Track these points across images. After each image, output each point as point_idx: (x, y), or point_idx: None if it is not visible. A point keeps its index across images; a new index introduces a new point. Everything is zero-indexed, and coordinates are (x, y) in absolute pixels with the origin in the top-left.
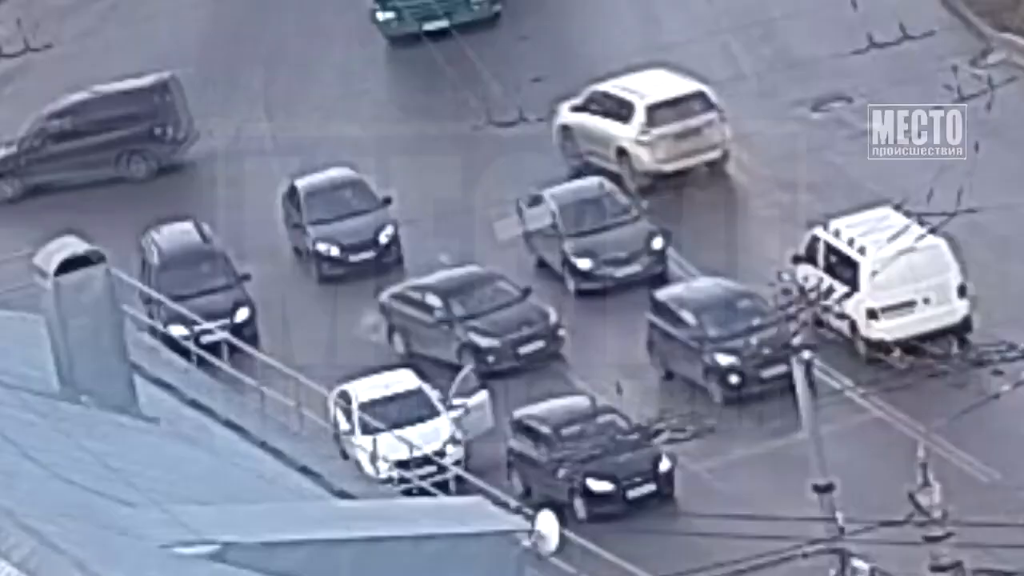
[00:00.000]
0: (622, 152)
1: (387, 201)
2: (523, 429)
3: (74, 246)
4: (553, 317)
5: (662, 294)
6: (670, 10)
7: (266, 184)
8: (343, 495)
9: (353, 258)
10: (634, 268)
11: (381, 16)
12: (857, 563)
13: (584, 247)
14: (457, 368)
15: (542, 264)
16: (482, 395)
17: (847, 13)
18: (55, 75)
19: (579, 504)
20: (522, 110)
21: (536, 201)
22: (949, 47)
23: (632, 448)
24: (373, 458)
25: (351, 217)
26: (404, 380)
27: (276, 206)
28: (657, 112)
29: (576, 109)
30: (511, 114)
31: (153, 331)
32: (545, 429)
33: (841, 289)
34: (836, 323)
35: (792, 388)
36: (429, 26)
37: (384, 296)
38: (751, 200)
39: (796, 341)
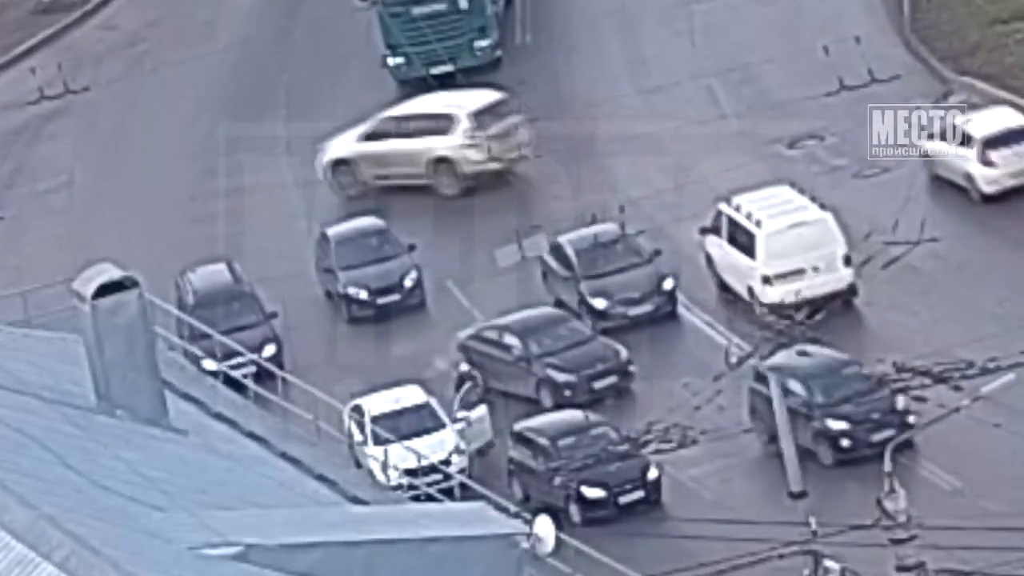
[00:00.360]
0: (440, 161)
1: (411, 248)
2: (522, 440)
3: (110, 272)
4: (624, 354)
5: (766, 365)
6: (657, 55)
7: (287, 216)
8: (357, 501)
9: (380, 300)
10: (646, 308)
11: (392, 61)
12: (829, 563)
13: (599, 288)
14: (535, 403)
15: (559, 304)
16: (482, 409)
17: (819, 58)
18: (92, 115)
19: (574, 509)
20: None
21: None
22: (913, 89)
23: (622, 458)
24: (384, 467)
25: (378, 263)
26: (412, 395)
27: (294, 235)
28: (479, 118)
29: (368, 138)
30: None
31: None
32: (543, 440)
33: (820, 314)
34: (736, 286)
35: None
36: (436, 70)
37: (462, 337)
38: None
39: (900, 406)
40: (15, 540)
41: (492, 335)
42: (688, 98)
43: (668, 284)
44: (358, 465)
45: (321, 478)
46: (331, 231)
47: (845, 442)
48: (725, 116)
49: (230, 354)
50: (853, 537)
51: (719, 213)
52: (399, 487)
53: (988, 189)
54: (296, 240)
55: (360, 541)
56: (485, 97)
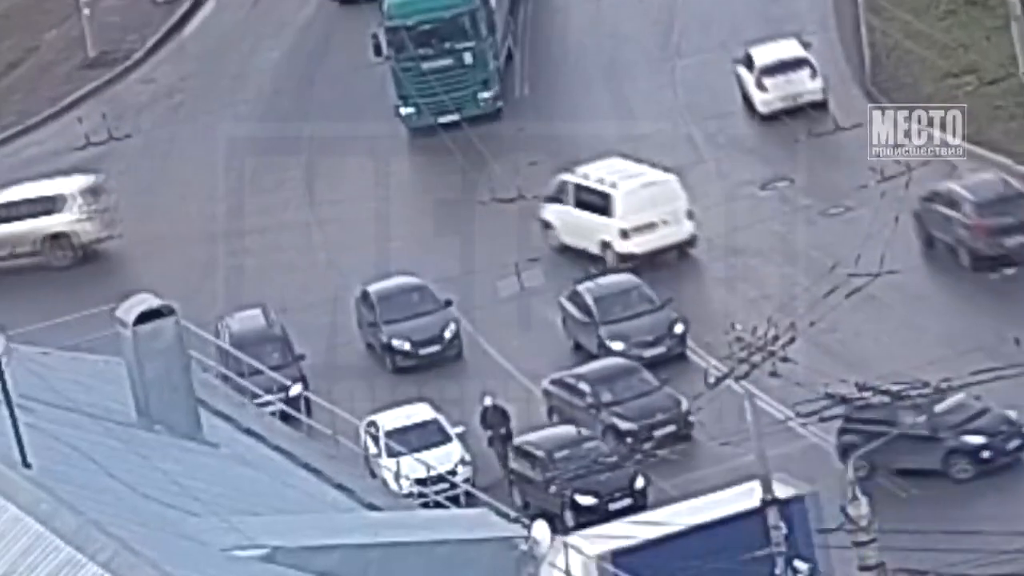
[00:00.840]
0: (55, 237)
1: (448, 303)
2: (522, 453)
3: (149, 301)
4: (684, 405)
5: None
6: (643, 106)
7: (308, 251)
8: (372, 507)
9: (423, 351)
10: (659, 349)
11: (404, 111)
12: (798, 563)
13: (616, 332)
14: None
15: (578, 347)
16: (459, 428)
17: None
18: (133, 159)
19: (568, 515)
20: (520, 188)
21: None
22: (874, 136)
23: (612, 468)
24: (396, 476)
25: (419, 317)
26: (422, 412)
27: (315, 268)
28: (86, 196)
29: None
30: (511, 192)
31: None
32: (540, 453)
33: (786, 336)
34: (583, 244)
35: None
36: (443, 119)
37: (545, 383)
38: (710, 263)
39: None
40: (64, 543)
41: (570, 381)
42: (670, 144)
43: (679, 328)
44: (373, 475)
45: (340, 487)
46: (372, 288)
47: (986, 453)
48: (704, 160)
49: (268, 389)
50: (819, 540)
51: (563, 183)
52: (410, 495)
53: (763, 110)
54: (315, 273)
55: (375, 544)
56: (84, 180)
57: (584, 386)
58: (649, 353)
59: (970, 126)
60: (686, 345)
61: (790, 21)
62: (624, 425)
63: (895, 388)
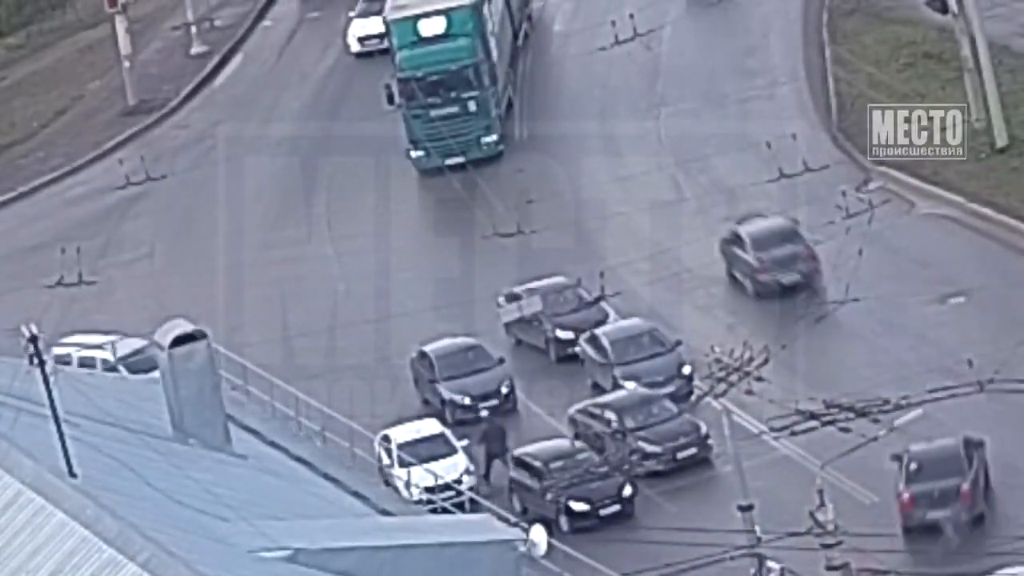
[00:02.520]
0: None
1: (501, 361)
2: (521, 463)
3: (183, 326)
4: (703, 429)
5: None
6: (630, 148)
7: (327, 280)
8: (385, 513)
9: (482, 405)
10: (669, 389)
11: (414, 154)
12: (771, 564)
13: (630, 373)
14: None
15: (596, 385)
16: (464, 442)
17: (763, 151)
18: (169, 198)
19: (563, 520)
20: (519, 224)
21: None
22: (839, 177)
23: (603, 478)
24: (408, 485)
25: (476, 374)
26: (431, 426)
27: (333, 296)
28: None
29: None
30: (511, 227)
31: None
32: (537, 463)
33: (760, 358)
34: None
35: None
36: (450, 161)
37: (572, 411)
38: (691, 292)
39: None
40: (106, 545)
41: (595, 410)
42: (655, 184)
43: (687, 369)
44: (386, 484)
45: (356, 494)
46: (430, 349)
47: None
48: (686, 199)
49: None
50: (790, 542)
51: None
52: (420, 502)
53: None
54: (333, 299)
55: (388, 546)
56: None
57: (610, 414)
58: (660, 392)
59: (927, 167)
60: (693, 385)
61: (764, 74)
62: (649, 448)
63: (859, 405)
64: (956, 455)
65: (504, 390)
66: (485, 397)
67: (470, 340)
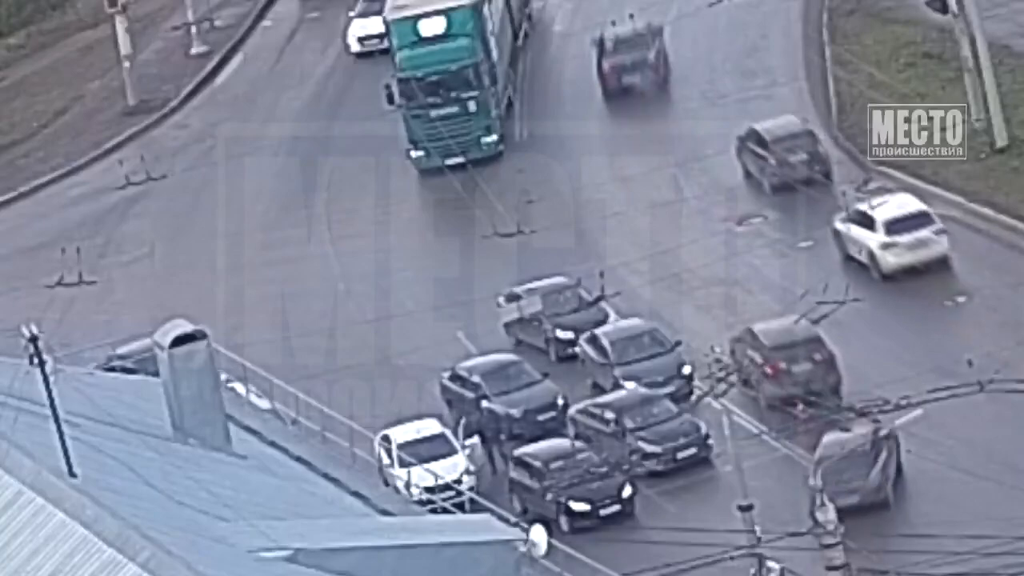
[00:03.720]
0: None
1: (545, 376)
2: (521, 464)
3: (183, 326)
4: (703, 429)
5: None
6: (631, 150)
7: (327, 280)
8: (385, 513)
9: (540, 417)
10: (669, 389)
11: (414, 154)
12: (771, 564)
13: (630, 373)
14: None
15: (596, 386)
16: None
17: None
18: (169, 198)
19: (563, 520)
20: (519, 224)
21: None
22: (840, 176)
23: (602, 478)
24: (407, 485)
25: (527, 387)
26: (431, 427)
27: (333, 295)
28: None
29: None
30: (511, 227)
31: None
32: (537, 463)
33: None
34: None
35: None
36: (450, 161)
37: (572, 411)
38: (691, 291)
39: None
40: (106, 545)
41: (595, 411)
42: (656, 184)
43: (686, 369)
44: (386, 484)
45: (356, 494)
46: (467, 365)
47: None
48: (686, 199)
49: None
50: (790, 542)
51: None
52: (420, 502)
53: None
54: (333, 299)
55: (388, 546)
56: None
57: (609, 414)
58: (659, 392)
59: (927, 167)
60: (692, 385)
61: (764, 74)
62: (650, 448)
63: (859, 405)
64: None
65: (560, 402)
66: (541, 410)
67: (514, 356)
